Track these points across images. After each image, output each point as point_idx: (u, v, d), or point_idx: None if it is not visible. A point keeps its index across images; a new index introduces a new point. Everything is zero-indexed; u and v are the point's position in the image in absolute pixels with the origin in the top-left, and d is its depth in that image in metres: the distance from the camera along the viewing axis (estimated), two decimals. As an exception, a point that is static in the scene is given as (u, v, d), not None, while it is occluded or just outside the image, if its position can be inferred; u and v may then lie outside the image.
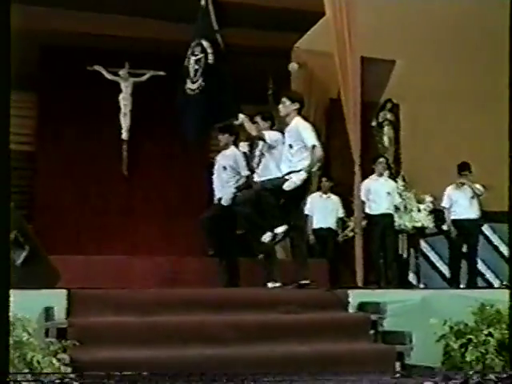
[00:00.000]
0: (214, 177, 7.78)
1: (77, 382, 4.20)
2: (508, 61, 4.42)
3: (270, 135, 7.10)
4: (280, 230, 6.74)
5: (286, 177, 6.71)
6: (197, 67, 7.88)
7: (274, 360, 5.17)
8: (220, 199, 7.60)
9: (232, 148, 7.68)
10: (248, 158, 7.65)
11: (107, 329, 5.19)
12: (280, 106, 6.92)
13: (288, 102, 6.84)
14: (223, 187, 7.60)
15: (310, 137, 6.73)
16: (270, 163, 7.06)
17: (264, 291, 6.53)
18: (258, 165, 7.21)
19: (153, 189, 10.23)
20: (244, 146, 7.75)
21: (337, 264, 9.09)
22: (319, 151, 6.77)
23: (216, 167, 7.76)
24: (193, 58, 7.95)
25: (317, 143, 6.75)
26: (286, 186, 6.63)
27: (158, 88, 9.99)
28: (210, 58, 7.79)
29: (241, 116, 7.15)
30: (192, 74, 7.91)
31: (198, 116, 7.79)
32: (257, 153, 7.33)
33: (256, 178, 7.23)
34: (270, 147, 7.07)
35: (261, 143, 7.24)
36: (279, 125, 7.38)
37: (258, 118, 7.26)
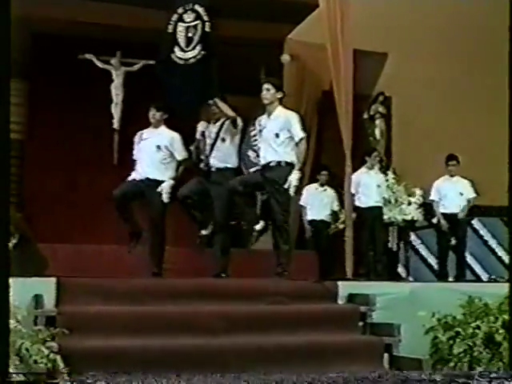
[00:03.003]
0: (142, 155, 7.11)
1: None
2: (508, 59, 4.41)
3: (241, 121, 7.08)
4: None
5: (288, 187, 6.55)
6: (190, 34, 7.47)
7: (263, 351, 5.18)
8: (146, 179, 7.03)
9: (163, 128, 7.12)
10: (200, 140, 7.22)
11: (96, 317, 5.19)
12: (264, 93, 6.67)
13: (273, 90, 6.67)
14: (153, 167, 7.01)
15: (300, 129, 6.65)
16: (231, 149, 7.03)
17: (253, 282, 6.53)
18: (212, 149, 7.08)
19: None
20: (203, 125, 7.26)
21: (327, 256, 9.10)
22: (304, 144, 6.72)
23: (145, 144, 7.09)
24: (182, 24, 7.53)
25: (304, 136, 6.69)
26: (293, 192, 6.58)
27: (150, 78, 9.95)
28: (207, 25, 7.43)
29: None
30: (183, 41, 7.51)
31: (197, 87, 7.38)
32: (211, 135, 7.13)
33: (213, 162, 7.05)
34: (234, 133, 7.02)
35: (217, 126, 7.12)
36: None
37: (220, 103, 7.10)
